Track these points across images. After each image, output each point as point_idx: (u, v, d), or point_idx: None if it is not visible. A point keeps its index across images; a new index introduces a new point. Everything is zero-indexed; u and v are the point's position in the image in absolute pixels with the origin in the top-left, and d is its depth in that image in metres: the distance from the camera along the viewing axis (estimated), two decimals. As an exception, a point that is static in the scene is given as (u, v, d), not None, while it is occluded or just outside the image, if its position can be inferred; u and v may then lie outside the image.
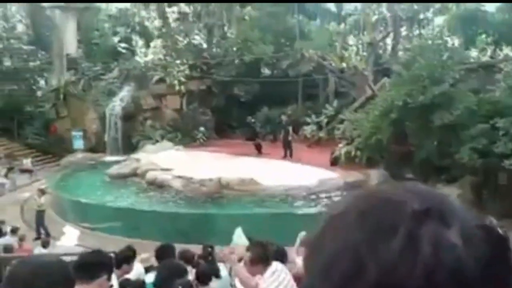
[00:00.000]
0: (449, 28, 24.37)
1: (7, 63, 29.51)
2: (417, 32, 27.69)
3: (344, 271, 0.56)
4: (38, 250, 10.15)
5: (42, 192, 15.42)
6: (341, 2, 23.60)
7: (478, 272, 0.54)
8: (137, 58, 28.87)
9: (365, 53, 23.73)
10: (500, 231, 0.60)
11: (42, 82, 30.63)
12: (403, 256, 0.54)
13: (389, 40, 26.51)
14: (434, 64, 15.33)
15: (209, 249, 7.83)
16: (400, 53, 25.76)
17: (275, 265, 4.17)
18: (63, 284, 1.75)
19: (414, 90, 14.42)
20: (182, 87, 25.34)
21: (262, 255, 4.15)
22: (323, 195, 15.29)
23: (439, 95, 14.01)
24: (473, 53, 22.96)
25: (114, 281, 6.32)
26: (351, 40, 26.51)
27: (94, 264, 2.93)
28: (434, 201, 0.59)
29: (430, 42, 23.00)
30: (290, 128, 20.45)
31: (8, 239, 11.07)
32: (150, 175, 17.30)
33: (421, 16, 25.69)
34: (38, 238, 13.62)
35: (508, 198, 12.91)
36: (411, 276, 0.53)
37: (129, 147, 24.43)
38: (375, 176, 16.15)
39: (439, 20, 26.39)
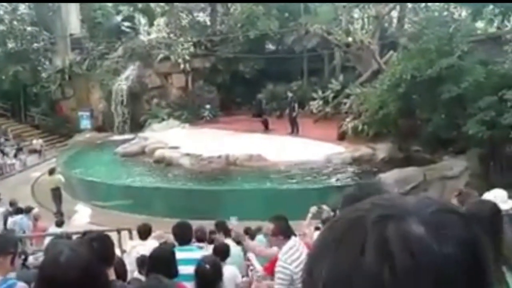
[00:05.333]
0: (456, -1, 23.99)
1: (11, 44, 29.46)
2: (423, 4, 27.30)
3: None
4: (53, 229, 10.26)
5: (52, 171, 15.59)
6: (336, 2, 23.24)
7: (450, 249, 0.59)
8: (140, 36, 28.75)
9: (371, 27, 23.47)
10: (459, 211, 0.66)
11: (46, 63, 30.67)
12: (379, 260, 0.59)
13: (395, 13, 26.16)
14: (442, 37, 15.16)
15: (224, 224, 7.94)
16: (407, 26, 25.44)
17: (294, 240, 4.28)
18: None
19: (422, 64, 14.31)
20: (187, 65, 25.25)
21: (284, 228, 4.27)
22: (330, 170, 15.40)
23: (446, 68, 13.88)
24: (480, 24, 22.61)
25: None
26: (356, 13, 26.18)
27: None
28: (388, 205, 0.64)
29: (437, 14, 22.71)
30: (296, 104, 20.36)
31: (23, 218, 11.22)
32: (158, 153, 17.43)
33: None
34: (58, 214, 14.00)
35: (515, 169, 12.95)
36: (395, 275, 0.58)
37: (136, 126, 24.56)
38: (382, 150, 16.22)
39: (446, -9, 25.96)
